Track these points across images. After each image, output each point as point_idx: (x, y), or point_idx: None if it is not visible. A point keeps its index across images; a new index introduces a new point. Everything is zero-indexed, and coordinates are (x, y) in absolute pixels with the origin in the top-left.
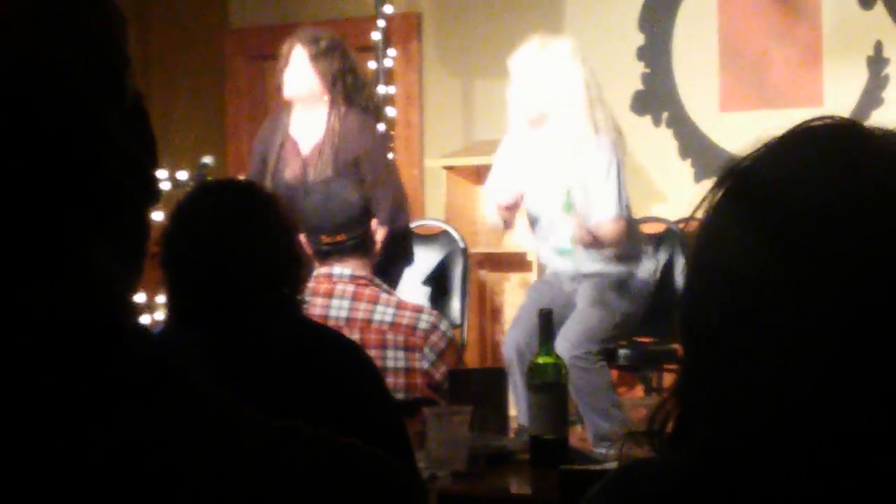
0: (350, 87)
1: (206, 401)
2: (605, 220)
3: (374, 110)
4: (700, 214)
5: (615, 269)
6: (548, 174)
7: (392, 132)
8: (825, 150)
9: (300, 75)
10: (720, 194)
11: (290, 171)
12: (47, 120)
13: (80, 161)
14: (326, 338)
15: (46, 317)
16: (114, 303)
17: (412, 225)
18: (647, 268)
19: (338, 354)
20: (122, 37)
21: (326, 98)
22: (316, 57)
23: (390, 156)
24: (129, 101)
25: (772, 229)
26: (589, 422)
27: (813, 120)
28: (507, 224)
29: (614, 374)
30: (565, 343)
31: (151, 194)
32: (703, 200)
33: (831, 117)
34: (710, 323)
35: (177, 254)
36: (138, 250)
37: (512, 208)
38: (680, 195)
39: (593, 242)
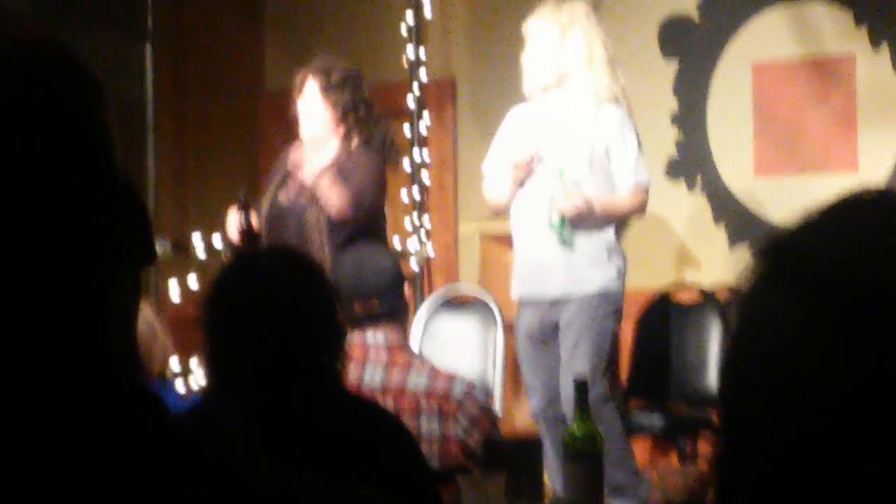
0: (362, 120)
1: (219, 463)
2: (630, 187)
3: (386, 146)
4: (742, 286)
5: (594, 286)
6: (562, 140)
7: (427, 198)
8: (875, 224)
9: (312, 108)
10: (763, 267)
11: (285, 194)
12: (39, 203)
13: (83, 240)
14: (364, 406)
15: (73, 388)
16: (128, 370)
17: (444, 290)
18: (620, 271)
19: (375, 423)
20: (103, 115)
21: (340, 130)
22: (327, 89)
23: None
24: (120, 180)
25: (820, 307)
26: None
27: (858, 192)
28: (512, 195)
29: (647, 441)
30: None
31: (146, 260)
32: (746, 272)
33: (877, 190)
34: (751, 401)
35: (218, 321)
36: (134, 314)
37: (527, 167)
38: (714, 260)
39: (593, 214)
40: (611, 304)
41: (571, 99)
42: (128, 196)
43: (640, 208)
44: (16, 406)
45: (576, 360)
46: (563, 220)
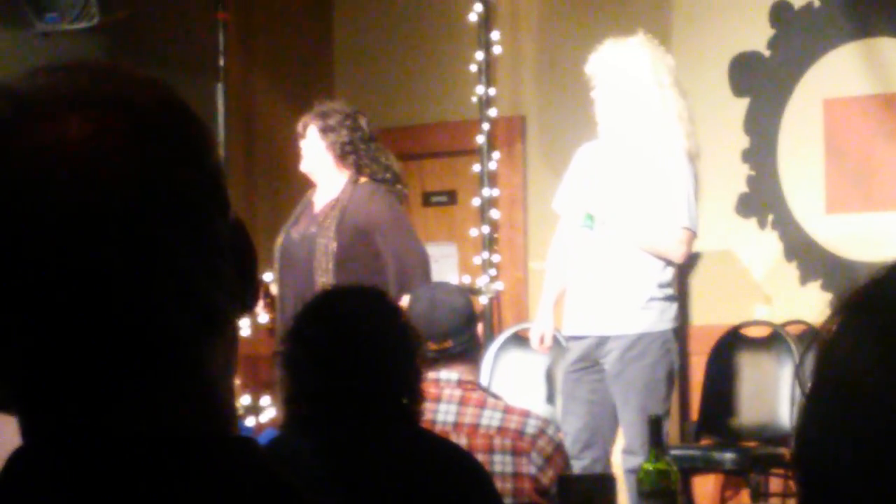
0: (361, 158)
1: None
2: (673, 229)
3: (390, 181)
4: (822, 328)
5: (637, 327)
6: (615, 183)
7: (497, 235)
8: None
9: (311, 149)
10: (843, 308)
11: (297, 230)
12: (159, 243)
13: (199, 281)
14: (438, 445)
15: (169, 432)
16: (225, 415)
17: (514, 326)
18: (665, 310)
19: (449, 461)
20: (215, 157)
21: (344, 171)
22: (325, 130)
23: (405, 224)
24: (231, 214)
25: None
26: None
27: None
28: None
29: (719, 478)
30: (634, 459)
31: (250, 304)
32: (832, 313)
33: None
34: (829, 441)
35: (298, 357)
36: (235, 356)
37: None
38: (785, 298)
39: (633, 241)
40: (658, 345)
41: (634, 139)
42: (238, 237)
43: (678, 251)
44: (127, 448)
45: (626, 419)
46: (589, 216)
